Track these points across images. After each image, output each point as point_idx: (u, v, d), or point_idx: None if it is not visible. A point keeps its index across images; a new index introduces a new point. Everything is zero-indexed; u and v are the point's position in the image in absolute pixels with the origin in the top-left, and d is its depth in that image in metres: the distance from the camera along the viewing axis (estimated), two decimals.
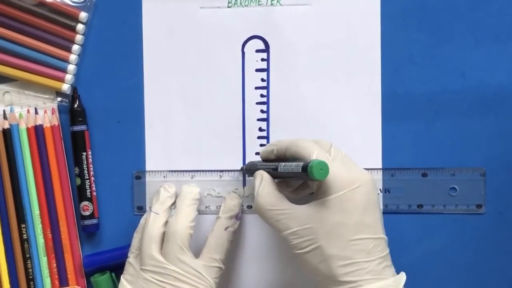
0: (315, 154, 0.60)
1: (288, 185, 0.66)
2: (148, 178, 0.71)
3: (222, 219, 0.67)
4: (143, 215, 0.69)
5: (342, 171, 0.60)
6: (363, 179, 0.60)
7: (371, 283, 0.58)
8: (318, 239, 0.59)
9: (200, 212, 0.69)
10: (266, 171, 0.64)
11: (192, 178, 0.70)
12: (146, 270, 0.64)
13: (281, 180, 0.65)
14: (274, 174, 0.63)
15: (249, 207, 0.70)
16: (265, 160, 0.67)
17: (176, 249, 0.64)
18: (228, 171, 0.70)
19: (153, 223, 0.66)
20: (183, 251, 0.64)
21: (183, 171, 0.70)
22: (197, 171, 0.70)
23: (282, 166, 0.61)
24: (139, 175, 0.71)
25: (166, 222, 0.66)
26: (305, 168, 0.58)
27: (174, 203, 0.68)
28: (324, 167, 0.57)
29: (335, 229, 0.59)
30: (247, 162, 0.70)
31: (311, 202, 0.60)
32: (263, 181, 0.63)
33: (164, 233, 0.66)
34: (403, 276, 0.60)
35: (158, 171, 0.71)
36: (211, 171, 0.70)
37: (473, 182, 0.69)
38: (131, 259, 0.67)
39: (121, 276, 0.66)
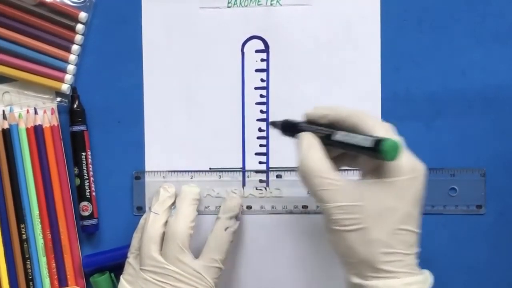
0: (381, 134, 0.56)
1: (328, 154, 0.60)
2: (148, 178, 0.71)
3: (222, 220, 0.67)
4: (142, 215, 0.69)
5: (406, 156, 0.57)
6: (421, 170, 0.58)
7: (406, 277, 0.56)
8: (365, 220, 0.55)
9: (199, 212, 0.68)
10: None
11: (191, 178, 0.70)
12: (146, 270, 0.64)
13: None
14: (323, 141, 0.58)
15: (249, 207, 0.70)
16: (311, 122, 0.61)
17: (176, 250, 0.64)
18: (228, 171, 0.70)
19: (152, 223, 0.66)
20: (183, 252, 0.64)
21: (183, 171, 0.70)
22: (197, 171, 0.70)
23: (342, 135, 0.56)
24: (139, 175, 0.71)
25: (166, 222, 0.66)
26: (377, 144, 0.53)
27: (173, 203, 0.68)
28: (397, 149, 0.53)
29: (386, 214, 0.55)
30: (247, 162, 0.70)
31: (364, 179, 0.57)
32: (312, 145, 0.58)
33: (164, 233, 0.65)
34: (430, 274, 0.58)
35: (157, 171, 0.71)
36: (211, 171, 0.70)
37: (473, 183, 0.68)
38: (130, 259, 0.66)
39: (121, 277, 0.66)
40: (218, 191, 0.70)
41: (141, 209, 0.71)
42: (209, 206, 0.70)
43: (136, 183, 0.71)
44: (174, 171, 0.70)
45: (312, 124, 0.60)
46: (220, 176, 0.70)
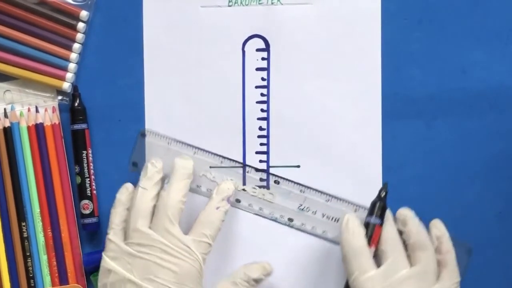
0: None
1: None
2: (149, 138, 0.70)
3: (214, 199, 0.66)
4: None
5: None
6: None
7: None
8: None
9: (190, 190, 0.67)
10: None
11: (194, 154, 0.69)
12: (131, 243, 0.64)
13: None
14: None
15: (238, 201, 0.70)
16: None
17: (166, 221, 0.63)
18: (228, 167, 0.70)
19: (141, 197, 0.65)
20: (172, 224, 0.63)
21: (186, 144, 0.69)
22: (201, 149, 0.69)
23: None
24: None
25: (154, 197, 0.65)
26: None
27: (162, 179, 0.67)
28: None
29: None
30: (247, 160, 0.70)
31: None
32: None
33: (153, 208, 0.65)
34: None
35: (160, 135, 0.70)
36: (214, 154, 0.70)
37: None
38: (111, 235, 0.65)
39: (103, 254, 0.65)
40: (215, 175, 0.70)
41: None
42: (201, 186, 0.70)
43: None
44: (178, 141, 0.70)
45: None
46: (221, 161, 0.70)
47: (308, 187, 0.69)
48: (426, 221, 0.69)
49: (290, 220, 0.69)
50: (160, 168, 0.67)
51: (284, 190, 0.69)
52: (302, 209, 0.69)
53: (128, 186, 0.67)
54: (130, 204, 0.66)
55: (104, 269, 0.64)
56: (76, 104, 0.70)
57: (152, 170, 0.67)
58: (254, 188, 0.70)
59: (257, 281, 0.66)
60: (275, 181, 0.65)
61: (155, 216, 0.64)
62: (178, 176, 0.66)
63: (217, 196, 0.67)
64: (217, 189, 0.67)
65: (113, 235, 0.65)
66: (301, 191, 0.69)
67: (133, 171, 0.69)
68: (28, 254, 0.70)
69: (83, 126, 0.70)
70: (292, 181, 0.69)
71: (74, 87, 0.71)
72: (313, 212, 0.69)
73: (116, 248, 0.64)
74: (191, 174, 0.67)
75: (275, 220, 0.70)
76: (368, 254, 0.63)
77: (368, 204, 0.66)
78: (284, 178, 0.69)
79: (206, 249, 0.65)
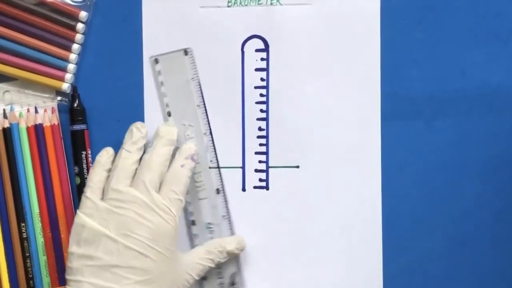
0: None
1: None
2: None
3: (177, 159, 0.67)
4: None
5: None
6: None
7: None
8: None
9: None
10: None
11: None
12: (109, 199, 0.64)
13: None
14: None
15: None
16: None
17: (146, 182, 0.64)
18: (228, 167, 0.70)
19: (124, 159, 0.66)
20: (151, 185, 0.64)
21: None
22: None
23: None
24: None
25: (137, 162, 0.66)
26: None
27: (146, 145, 0.68)
28: None
29: None
30: (246, 160, 0.70)
31: None
32: None
33: (134, 172, 0.66)
34: None
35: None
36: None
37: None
38: (88, 193, 0.65)
39: (78, 211, 0.65)
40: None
41: None
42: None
43: None
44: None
45: None
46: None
47: None
48: (426, 222, 0.69)
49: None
50: (145, 133, 0.68)
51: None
52: None
53: (109, 149, 0.68)
54: (113, 165, 0.66)
55: (78, 225, 0.64)
56: (75, 105, 0.70)
57: (137, 135, 0.67)
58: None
59: (229, 253, 0.68)
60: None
61: (135, 177, 0.65)
62: (161, 142, 0.67)
63: (179, 155, 0.67)
64: (179, 150, 0.68)
65: (91, 193, 0.65)
66: None
67: None
68: (28, 254, 0.70)
69: (83, 126, 0.70)
70: (292, 168, 0.69)
71: (74, 87, 0.71)
72: None
73: (92, 205, 0.64)
74: (174, 141, 0.68)
75: None
76: None
77: (367, 205, 0.67)
78: (284, 167, 0.69)
79: (179, 206, 0.65)
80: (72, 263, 0.64)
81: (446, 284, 0.69)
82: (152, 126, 0.70)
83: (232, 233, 0.70)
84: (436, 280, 0.69)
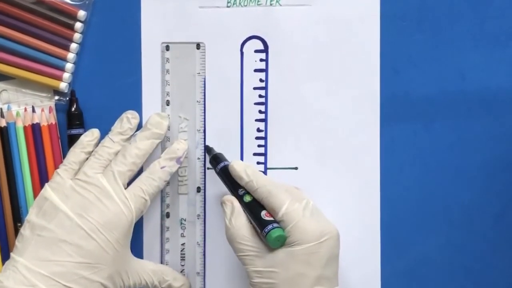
0: (285, 206, 0.62)
1: None
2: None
3: (161, 158, 0.68)
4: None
5: (312, 223, 0.62)
6: (331, 232, 0.62)
7: None
8: (278, 284, 0.61)
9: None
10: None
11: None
12: (77, 180, 0.65)
13: None
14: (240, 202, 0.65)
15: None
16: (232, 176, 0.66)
17: (115, 172, 0.65)
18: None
19: (105, 148, 0.67)
20: (120, 177, 0.65)
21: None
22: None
23: (246, 212, 0.64)
24: None
25: (117, 152, 0.67)
26: (264, 232, 0.61)
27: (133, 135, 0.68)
28: (280, 241, 0.61)
29: (297, 279, 0.61)
30: (245, 160, 0.70)
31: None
32: (234, 211, 0.64)
33: (111, 161, 0.66)
34: None
35: None
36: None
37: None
38: (60, 170, 0.66)
39: (46, 184, 0.66)
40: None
41: None
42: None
43: None
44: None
45: (232, 181, 0.66)
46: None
47: None
48: (424, 223, 0.69)
49: None
50: (135, 125, 0.68)
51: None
52: None
53: (94, 131, 0.68)
54: (94, 149, 0.67)
55: (42, 197, 0.66)
56: (73, 109, 0.70)
57: (125, 126, 0.68)
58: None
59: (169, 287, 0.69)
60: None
61: (109, 164, 0.66)
62: (145, 134, 0.68)
63: (164, 155, 0.68)
64: (167, 149, 0.68)
65: (63, 171, 0.66)
66: None
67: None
68: None
69: (80, 131, 0.70)
70: (290, 169, 0.69)
71: (72, 91, 0.70)
72: None
73: (60, 181, 0.66)
74: (161, 135, 0.68)
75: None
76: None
77: (366, 207, 0.67)
78: (282, 169, 0.69)
79: (142, 204, 0.66)
80: (25, 231, 0.65)
81: (444, 286, 0.69)
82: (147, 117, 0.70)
83: (202, 233, 0.70)
84: (434, 282, 0.69)
